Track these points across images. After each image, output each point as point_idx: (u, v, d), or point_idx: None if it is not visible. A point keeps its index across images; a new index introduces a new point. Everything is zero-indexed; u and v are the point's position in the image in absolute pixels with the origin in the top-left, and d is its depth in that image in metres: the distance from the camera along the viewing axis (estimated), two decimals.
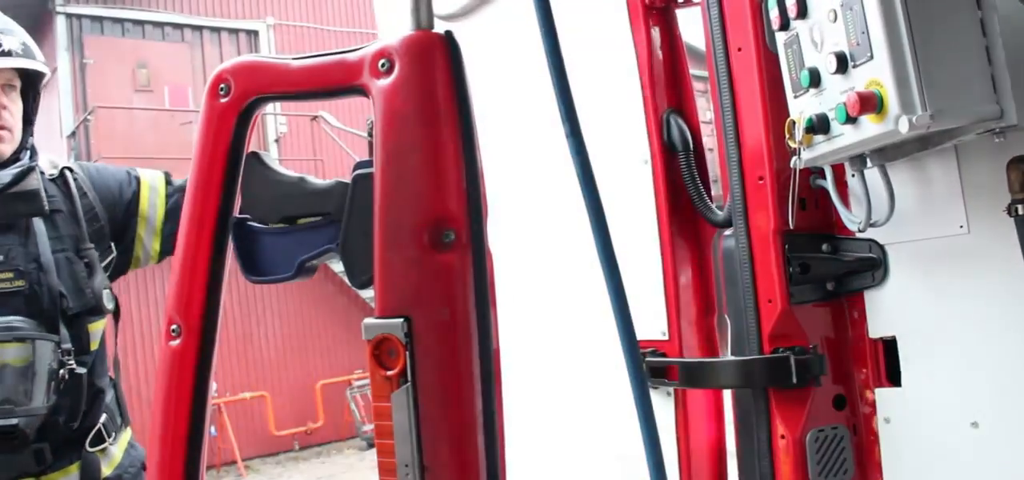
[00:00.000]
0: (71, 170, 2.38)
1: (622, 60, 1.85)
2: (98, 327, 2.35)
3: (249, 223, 0.99)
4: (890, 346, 1.47)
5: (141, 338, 11.16)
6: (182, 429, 0.86)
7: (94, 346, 2.33)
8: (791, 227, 1.45)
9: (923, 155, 1.35)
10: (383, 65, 0.79)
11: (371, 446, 10.91)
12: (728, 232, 1.63)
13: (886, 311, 1.47)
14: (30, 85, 2.37)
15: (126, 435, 2.46)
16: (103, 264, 2.33)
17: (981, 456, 1.33)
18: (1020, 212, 1.23)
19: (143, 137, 12.24)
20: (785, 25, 1.35)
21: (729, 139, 1.56)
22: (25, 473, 2.17)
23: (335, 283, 12.56)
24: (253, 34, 13.89)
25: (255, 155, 0.95)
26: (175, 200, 2.49)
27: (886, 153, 1.31)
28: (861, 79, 1.20)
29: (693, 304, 1.82)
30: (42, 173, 2.29)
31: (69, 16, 12.29)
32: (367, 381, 0.79)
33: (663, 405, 1.80)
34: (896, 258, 1.44)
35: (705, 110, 1.85)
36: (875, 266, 1.47)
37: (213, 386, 0.94)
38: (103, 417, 2.34)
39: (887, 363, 1.48)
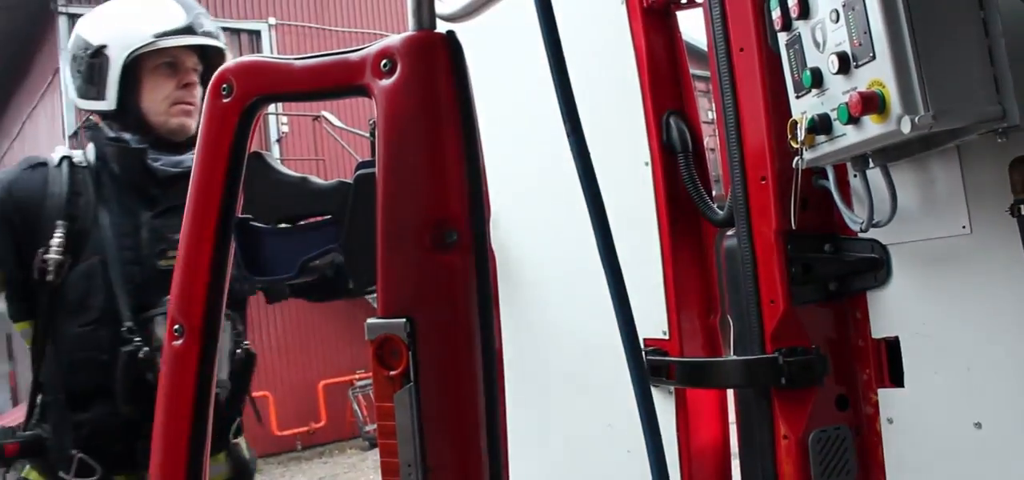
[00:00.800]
0: None
1: (623, 61, 1.85)
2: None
3: (251, 223, 0.99)
4: (893, 347, 1.47)
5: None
6: (185, 429, 0.86)
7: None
8: (793, 227, 1.45)
9: (925, 155, 1.35)
10: (385, 65, 0.79)
11: (373, 446, 10.92)
12: (730, 232, 1.63)
13: (889, 312, 1.47)
14: (208, 70, 2.32)
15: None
16: None
17: (984, 457, 1.33)
18: (1022, 212, 1.23)
19: None
20: (787, 25, 1.35)
21: (731, 139, 1.56)
22: None
23: None
24: (255, 34, 13.90)
25: (257, 155, 0.95)
26: None
27: (888, 153, 1.31)
28: (863, 79, 1.20)
29: (695, 304, 1.83)
30: None
31: (70, 16, 12.30)
32: (369, 381, 0.79)
33: (666, 404, 1.80)
34: (899, 258, 1.44)
35: (707, 110, 1.86)
36: (877, 266, 1.47)
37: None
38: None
39: (890, 364, 1.48)
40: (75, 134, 12.31)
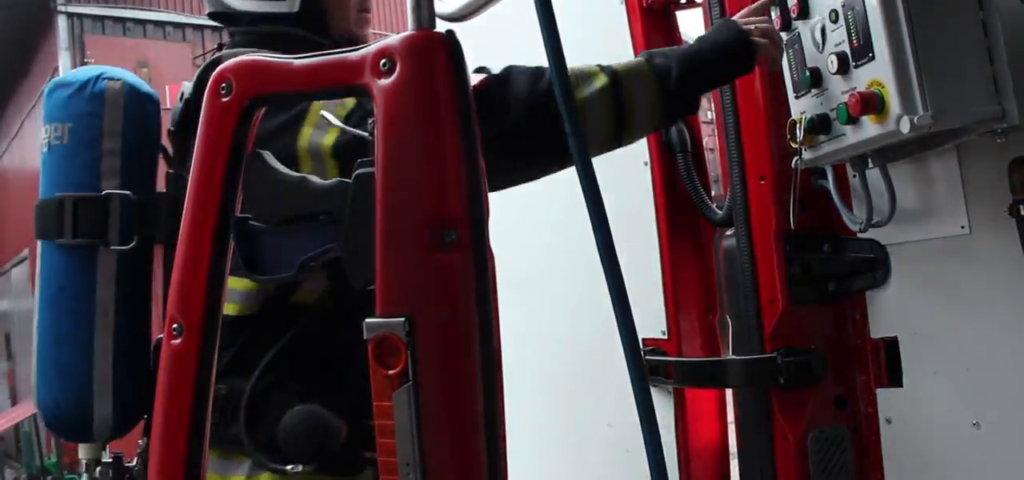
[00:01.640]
0: None
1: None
2: None
3: (251, 222, 0.99)
4: (892, 347, 1.47)
5: None
6: (183, 428, 0.86)
7: None
8: (792, 227, 1.45)
9: (924, 155, 1.35)
10: (384, 65, 0.79)
11: None
12: (729, 232, 1.63)
13: (887, 312, 1.47)
14: None
15: None
16: None
17: (982, 456, 1.33)
18: (1021, 212, 1.23)
19: None
20: (787, 25, 1.35)
21: (730, 139, 1.56)
22: None
23: None
24: None
25: (257, 154, 0.95)
26: None
27: (887, 153, 1.31)
28: (862, 79, 1.20)
29: (694, 304, 1.83)
30: None
31: (70, 15, 12.29)
32: None
33: (665, 403, 1.81)
34: (897, 258, 1.44)
35: (706, 110, 1.86)
36: (876, 266, 1.47)
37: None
38: None
39: (888, 364, 1.48)
40: None
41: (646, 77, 1.27)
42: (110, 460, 1.48)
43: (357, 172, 0.91)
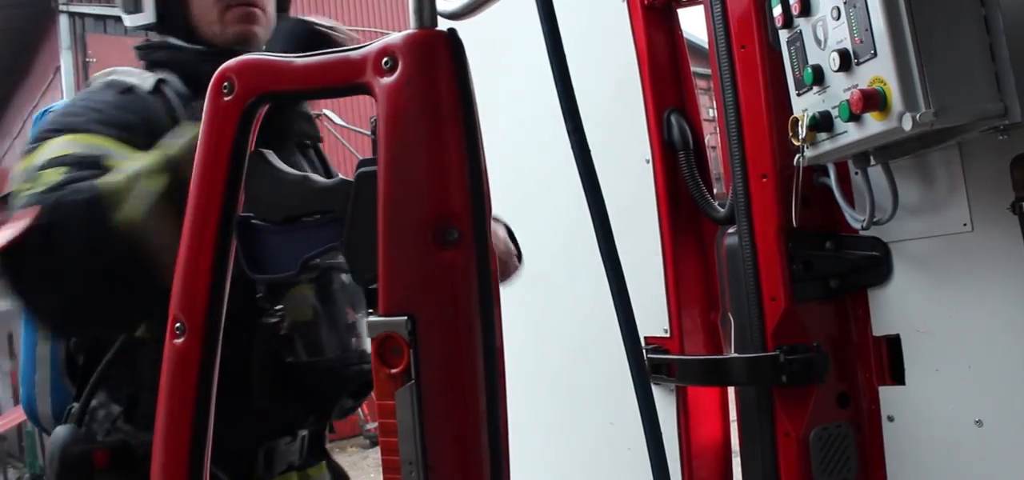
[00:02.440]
0: None
1: (624, 58, 1.86)
2: None
3: (253, 221, 0.99)
4: (894, 344, 1.47)
5: None
6: (186, 428, 0.86)
7: None
8: (794, 225, 1.45)
9: (926, 153, 1.35)
10: (386, 63, 0.79)
11: (374, 444, 10.92)
12: (731, 230, 1.63)
13: (890, 309, 1.47)
14: None
15: None
16: None
17: (985, 454, 1.33)
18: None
19: None
20: (788, 22, 1.35)
21: (732, 137, 1.56)
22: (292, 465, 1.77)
23: None
24: None
25: (259, 153, 0.95)
26: None
27: (889, 151, 1.31)
28: (864, 76, 1.20)
29: (696, 302, 1.83)
30: None
31: (72, 14, 12.30)
32: None
33: (667, 401, 1.81)
34: (900, 256, 1.44)
35: (708, 107, 1.86)
36: (878, 264, 1.47)
37: None
38: None
39: (891, 361, 1.48)
40: None
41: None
42: None
43: (359, 171, 0.91)
